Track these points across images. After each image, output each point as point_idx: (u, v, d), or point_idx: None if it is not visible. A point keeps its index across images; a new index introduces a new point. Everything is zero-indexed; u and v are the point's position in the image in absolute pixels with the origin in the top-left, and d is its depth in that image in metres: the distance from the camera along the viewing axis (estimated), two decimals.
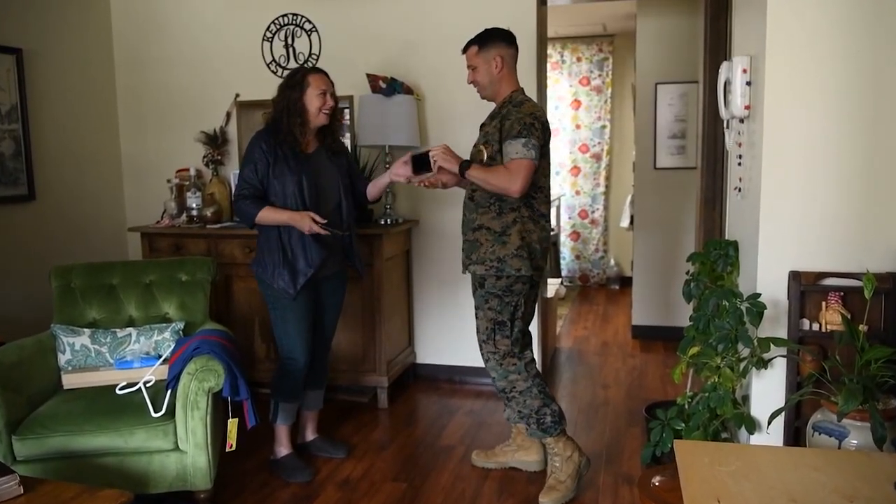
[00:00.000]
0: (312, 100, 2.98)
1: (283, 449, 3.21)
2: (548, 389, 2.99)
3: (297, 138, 2.98)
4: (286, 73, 3.21)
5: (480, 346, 2.98)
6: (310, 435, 3.40)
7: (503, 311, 2.88)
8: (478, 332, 2.98)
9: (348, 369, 3.95)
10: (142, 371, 2.93)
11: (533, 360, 2.99)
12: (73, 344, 3.00)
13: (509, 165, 2.73)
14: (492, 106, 3.01)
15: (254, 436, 3.23)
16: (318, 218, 2.92)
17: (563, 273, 7.63)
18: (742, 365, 2.50)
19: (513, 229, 2.82)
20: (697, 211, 4.46)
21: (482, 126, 2.99)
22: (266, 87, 4.41)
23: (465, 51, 2.96)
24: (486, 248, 2.84)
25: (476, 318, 2.99)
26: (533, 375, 2.94)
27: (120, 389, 2.83)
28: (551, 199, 3.07)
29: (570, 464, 2.92)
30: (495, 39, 2.90)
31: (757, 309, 2.38)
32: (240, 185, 3.01)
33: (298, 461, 3.20)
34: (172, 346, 3.03)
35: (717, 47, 3.84)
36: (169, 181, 4.35)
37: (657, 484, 2.48)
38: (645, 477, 2.56)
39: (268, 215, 2.95)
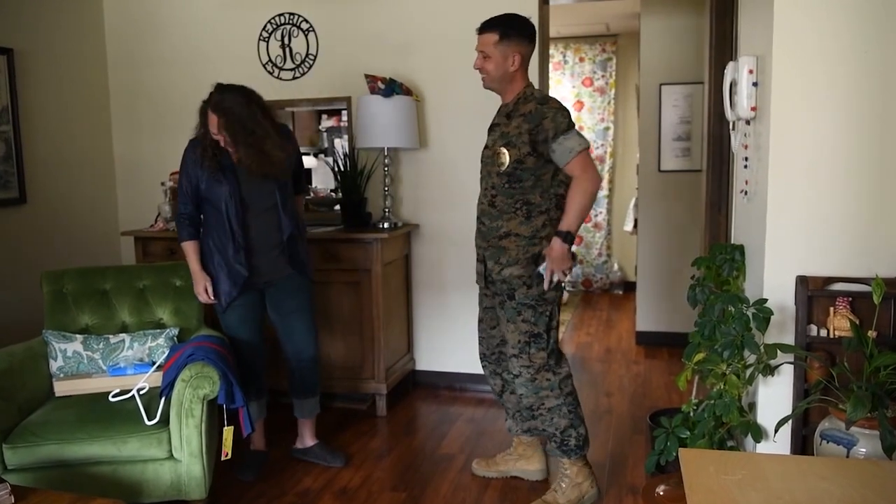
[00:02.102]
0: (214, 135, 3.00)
1: (252, 445, 3.34)
2: (579, 410, 2.91)
3: (221, 151, 3.00)
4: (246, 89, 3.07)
5: (510, 360, 2.88)
6: (308, 441, 3.41)
7: (538, 322, 2.80)
8: (507, 345, 2.88)
9: (346, 376, 3.96)
10: (135, 378, 2.93)
11: (569, 375, 2.90)
12: (65, 350, 3.01)
13: (575, 165, 2.66)
14: (493, 104, 2.98)
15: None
16: (209, 289, 3.04)
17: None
18: (748, 372, 2.50)
19: (543, 233, 2.75)
20: (703, 214, 4.47)
21: (494, 126, 2.88)
22: (262, 88, 4.36)
23: (480, 32, 2.78)
24: (518, 251, 2.76)
25: (506, 332, 2.87)
26: (566, 393, 2.86)
27: (113, 397, 2.84)
28: None
29: (576, 490, 2.89)
30: (519, 35, 2.76)
31: (763, 314, 2.39)
32: (179, 197, 3.11)
33: (251, 459, 3.30)
34: (167, 352, 3.04)
35: (723, 47, 3.86)
36: (163, 184, 4.35)
37: (661, 493, 2.48)
38: (649, 486, 2.57)
39: (186, 249, 3.08)
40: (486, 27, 2.78)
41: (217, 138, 2.96)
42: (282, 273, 3.15)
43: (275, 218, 3.09)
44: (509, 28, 2.75)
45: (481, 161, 2.93)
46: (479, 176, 4.30)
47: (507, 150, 2.74)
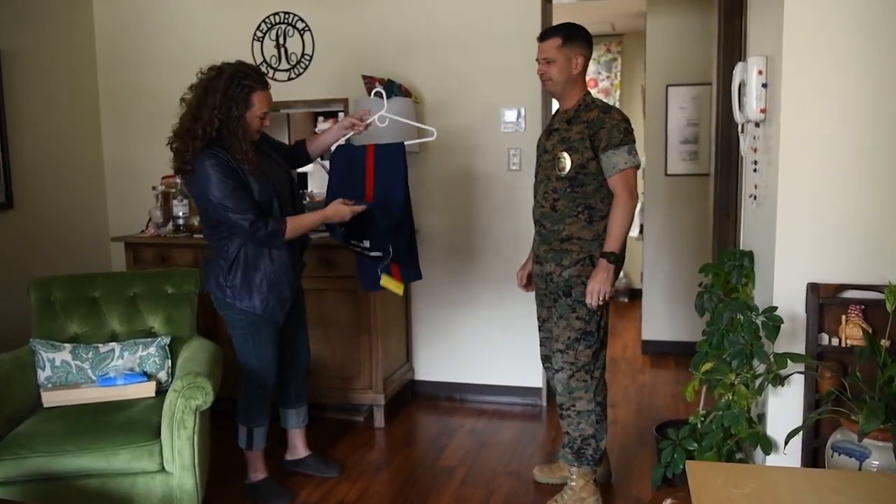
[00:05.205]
0: (254, 120, 2.88)
1: (258, 474, 3.20)
2: (605, 423, 3.02)
3: (244, 154, 2.84)
4: (219, 71, 2.99)
5: (554, 355, 2.98)
6: (301, 452, 3.41)
7: (591, 321, 2.92)
8: (556, 341, 2.97)
9: (342, 387, 3.95)
10: (126, 388, 2.94)
11: (604, 384, 3.03)
12: (54, 360, 3.01)
13: (617, 181, 2.78)
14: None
15: (242, 457, 3.23)
16: (346, 202, 2.95)
17: None
18: (757, 382, 2.51)
19: (604, 237, 2.84)
20: (710, 220, 4.48)
21: (553, 131, 2.98)
22: None
23: (542, 39, 2.94)
24: (581, 252, 2.87)
25: (556, 328, 2.98)
26: (598, 402, 2.96)
27: None
28: None
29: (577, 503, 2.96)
30: (580, 38, 2.90)
31: (773, 323, 2.39)
32: (237, 215, 2.78)
33: (276, 486, 3.19)
34: (158, 362, 3.06)
35: (732, 47, 3.88)
36: (154, 188, 4.36)
37: None
38: (655, 499, 2.57)
39: (297, 225, 2.91)
40: (547, 34, 2.94)
41: (262, 129, 2.95)
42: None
43: (293, 202, 3.07)
44: (572, 33, 2.90)
45: (538, 165, 3.05)
46: (478, 178, 4.33)
47: (569, 155, 2.85)
